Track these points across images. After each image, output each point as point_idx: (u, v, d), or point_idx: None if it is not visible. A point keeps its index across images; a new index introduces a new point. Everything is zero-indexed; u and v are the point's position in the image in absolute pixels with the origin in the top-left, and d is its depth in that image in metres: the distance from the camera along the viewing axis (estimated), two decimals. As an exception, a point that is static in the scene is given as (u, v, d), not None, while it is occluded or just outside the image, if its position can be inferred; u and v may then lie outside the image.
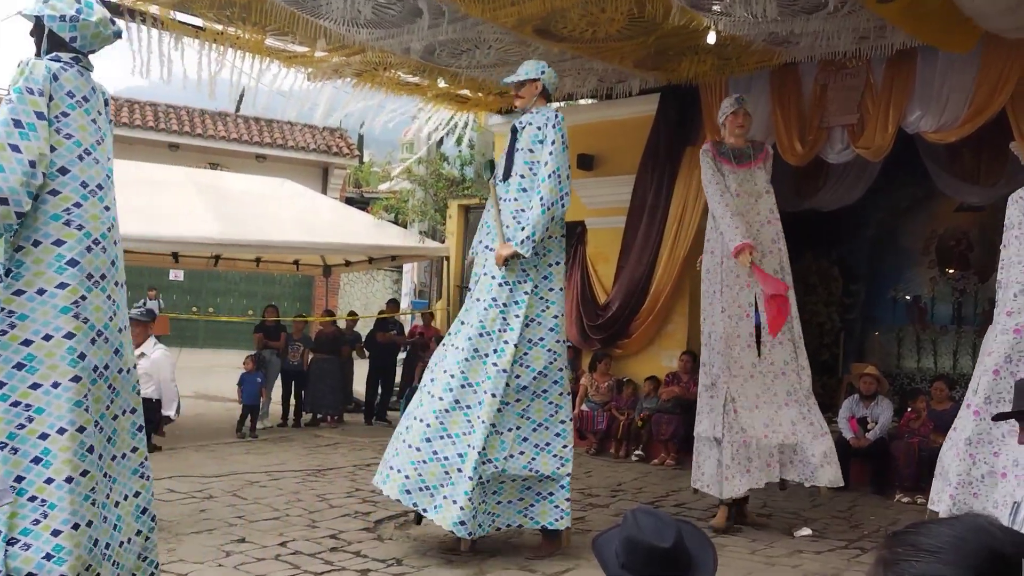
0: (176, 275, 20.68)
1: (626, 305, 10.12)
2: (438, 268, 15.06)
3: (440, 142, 15.94)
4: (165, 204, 9.99)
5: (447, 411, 5.52)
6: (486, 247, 5.83)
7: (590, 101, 11.02)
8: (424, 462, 5.44)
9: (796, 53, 7.82)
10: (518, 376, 5.55)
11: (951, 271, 11.17)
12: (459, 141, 16.79)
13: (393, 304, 13.27)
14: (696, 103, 9.44)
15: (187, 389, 12.69)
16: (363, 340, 12.39)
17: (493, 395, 5.45)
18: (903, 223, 11.42)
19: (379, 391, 12.21)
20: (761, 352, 6.68)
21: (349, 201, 22.71)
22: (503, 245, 5.60)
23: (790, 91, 8.65)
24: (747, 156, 6.81)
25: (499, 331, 5.55)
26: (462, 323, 5.81)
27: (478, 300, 5.72)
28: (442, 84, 9.56)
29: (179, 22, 7.89)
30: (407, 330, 13.60)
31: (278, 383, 11.56)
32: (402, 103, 10.19)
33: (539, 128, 5.69)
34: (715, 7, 6.49)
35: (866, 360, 10.70)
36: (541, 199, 5.52)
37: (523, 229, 5.55)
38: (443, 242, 14.48)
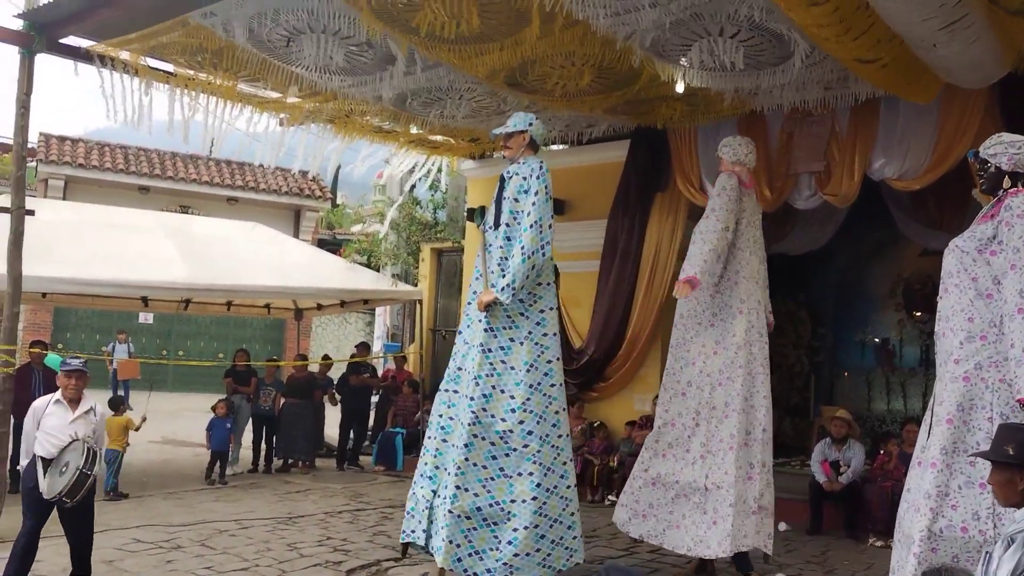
0: (145, 318, 20.45)
1: (601, 350, 10.15)
2: (411, 311, 15.03)
3: (413, 186, 16.03)
4: (134, 248, 9.92)
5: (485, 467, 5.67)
6: (474, 292, 6.00)
7: (561, 147, 11.14)
8: (474, 529, 5.55)
9: (763, 102, 7.98)
10: (522, 421, 5.63)
11: (918, 314, 11.32)
12: (432, 186, 16.91)
13: (363, 347, 13.19)
14: (665, 149, 9.57)
15: (155, 434, 12.53)
16: (335, 384, 12.30)
17: (483, 438, 5.60)
18: (869, 267, 11.59)
19: (352, 436, 12.09)
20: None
21: (321, 243, 22.69)
22: (485, 291, 5.75)
23: (757, 138, 8.74)
24: None
25: (486, 376, 5.68)
26: (459, 368, 5.97)
27: (472, 346, 5.88)
28: (414, 130, 9.63)
29: (150, 68, 7.90)
30: (380, 373, 13.52)
31: (249, 428, 11.43)
32: (375, 147, 10.25)
33: (524, 179, 5.82)
34: (682, 60, 6.61)
35: (836, 403, 10.78)
36: (522, 248, 5.64)
37: (503, 277, 5.69)
38: (416, 285, 14.47)
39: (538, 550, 5.56)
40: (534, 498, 5.55)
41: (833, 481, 8.43)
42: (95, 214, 11.45)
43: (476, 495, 5.53)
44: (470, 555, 5.47)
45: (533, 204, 5.71)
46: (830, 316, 11.81)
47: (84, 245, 9.58)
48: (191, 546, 6.94)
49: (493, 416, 5.62)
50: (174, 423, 14.68)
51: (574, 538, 5.76)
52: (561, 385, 5.91)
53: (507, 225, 5.82)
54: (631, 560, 6.97)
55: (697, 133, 9.19)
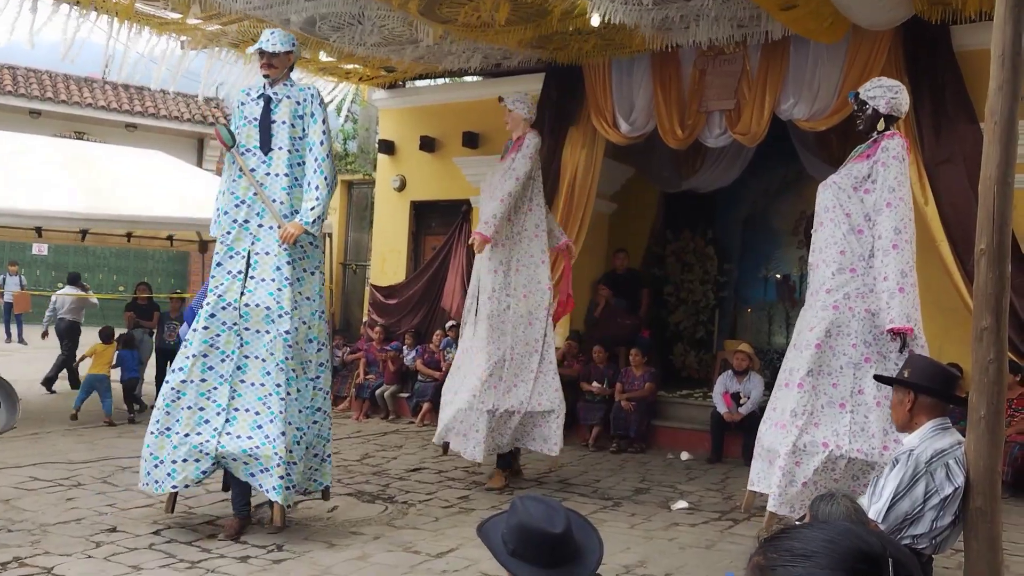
0: (40, 249, 19.61)
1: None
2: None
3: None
4: (27, 175, 9.42)
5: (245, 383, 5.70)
6: (235, 221, 5.75)
7: (475, 78, 10.99)
8: (293, 464, 5.63)
9: (676, 38, 7.99)
10: (319, 350, 5.89)
11: (818, 251, 11.64)
12: (340, 112, 16.47)
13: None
14: (580, 82, 9.54)
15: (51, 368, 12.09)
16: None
17: (295, 373, 5.68)
18: (774, 204, 11.86)
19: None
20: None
21: (226, 173, 21.93)
22: (293, 224, 5.60)
23: (670, 75, 8.84)
24: (506, 149, 7.46)
25: (294, 309, 5.67)
26: (230, 305, 5.67)
27: (266, 280, 5.67)
28: (324, 58, 9.33)
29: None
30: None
31: (152, 363, 11.14)
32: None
33: (299, 103, 5.73)
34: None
35: (739, 337, 11.10)
36: (326, 179, 5.65)
37: (312, 209, 5.61)
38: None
39: (309, 467, 5.90)
40: (315, 422, 5.89)
41: (733, 412, 8.74)
42: (-19, 138, 10.80)
43: (298, 429, 5.66)
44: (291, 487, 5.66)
45: (324, 133, 5.70)
46: (736, 252, 12.09)
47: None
48: (92, 483, 6.77)
49: (303, 350, 5.76)
50: (72, 358, 14.17)
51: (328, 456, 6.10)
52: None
53: (289, 152, 5.70)
54: (540, 490, 7.12)
55: (611, 67, 9.18)
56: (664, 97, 8.81)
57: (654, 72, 8.89)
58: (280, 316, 5.60)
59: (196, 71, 9.27)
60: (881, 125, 5.34)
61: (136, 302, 11.40)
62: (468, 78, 11.01)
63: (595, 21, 7.27)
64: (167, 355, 11.04)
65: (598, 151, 9.62)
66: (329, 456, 6.04)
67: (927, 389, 3.76)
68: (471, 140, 10.82)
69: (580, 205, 9.69)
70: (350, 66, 9.95)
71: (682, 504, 6.84)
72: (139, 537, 5.39)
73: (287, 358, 5.58)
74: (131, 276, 20.01)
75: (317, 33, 8.18)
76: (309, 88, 5.83)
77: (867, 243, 5.19)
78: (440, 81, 11.59)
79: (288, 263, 5.66)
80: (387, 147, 11.90)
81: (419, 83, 11.67)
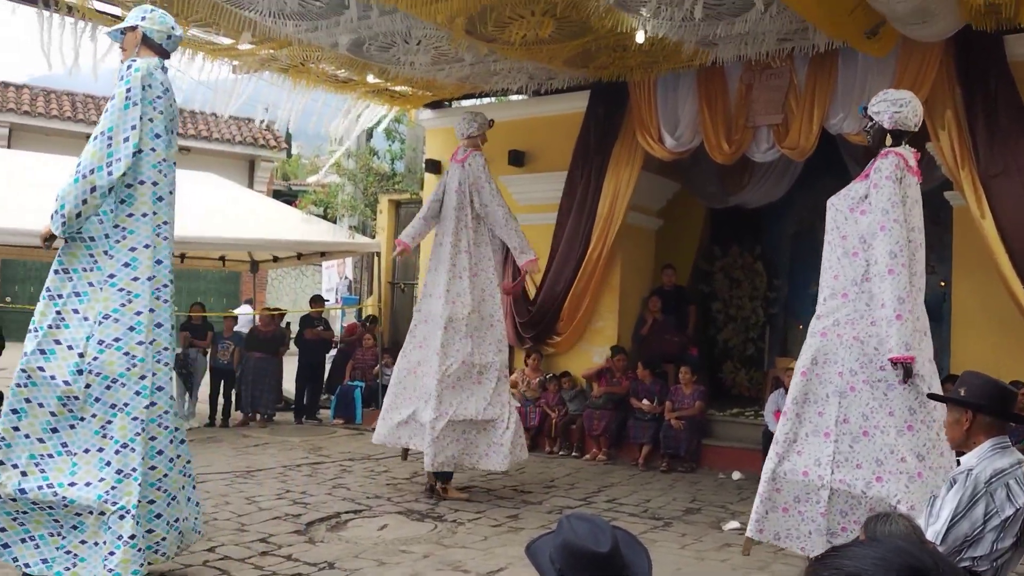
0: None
1: (554, 302, 10.16)
2: (368, 264, 14.93)
3: (369, 136, 15.85)
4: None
5: None
6: None
7: (521, 97, 11.05)
8: (25, 512, 4.57)
9: (722, 53, 7.95)
10: (88, 385, 4.56)
11: (869, 266, 11.46)
12: (389, 135, 16.72)
13: (318, 300, 13.09)
14: (625, 99, 9.54)
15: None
16: (294, 337, 12.25)
17: (40, 404, 4.57)
18: (823, 219, 11.68)
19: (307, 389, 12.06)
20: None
21: (277, 194, 22.37)
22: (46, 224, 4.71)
23: (716, 90, 8.80)
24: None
25: (49, 328, 4.60)
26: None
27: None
28: (372, 80, 9.46)
29: (96, 11, 7.64)
30: (343, 326, 13.45)
31: (205, 381, 11.33)
32: (332, 96, 10.07)
33: (120, 80, 4.77)
34: (643, 10, 6.55)
35: (790, 354, 10.93)
36: (78, 165, 4.59)
37: (56, 200, 4.58)
38: (374, 237, 14.35)
39: (106, 542, 4.51)
40: (101, 480, 4.52)
41: (786, 430, 8.60)
42: (41, 163, 11.14)
43: (24, 474, 4.51)
44: (23, 540, 4.57)
45: (106, 111, 4.67)
46: (785, 268, 11.94)
47: (30, 195, 9.31)
48: (148, 500, 6.88)
49: (53, 377, 4.54)
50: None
51: (172, 526, 4.74)
52: (153, 343, 4.71)
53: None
54: (589, 509, 7.07)
55: (656, 83, 9.16)
56: (710, 112, 8.77)
57: (700, 87, 8.85)
58: (30, 333, 4.62)
59: (247, 94, 9.45)
60: (888, 141, 5.19)
61: (191, 321, 11.61)
62: (513, 97, 11.07)
63: (640, 38, 7.27)
64: (220, 374, 11.26)
65: (635, 166, 9.60)
66: (150, 532, 4.62)
67: (984, 407, 3.67)
68: (517, 158, 10.87)
69: (617, 220, 9.71)
70: (399, 88, 10.05)
71: (734, 524, 6.74)
72: (194, 554, 5.45)
73: (17, 384, 4.54)
74: (184, 296, 20.38)
75: (365, 55, 8.29)
76: (130, 61, 4.78)
77: (860, 267, 5.07)
78: (485, 100, 11.67)
79: (55, 272, 4.67)
80: (434, 166, 11.99)
81: (465, 103, 11.76)
